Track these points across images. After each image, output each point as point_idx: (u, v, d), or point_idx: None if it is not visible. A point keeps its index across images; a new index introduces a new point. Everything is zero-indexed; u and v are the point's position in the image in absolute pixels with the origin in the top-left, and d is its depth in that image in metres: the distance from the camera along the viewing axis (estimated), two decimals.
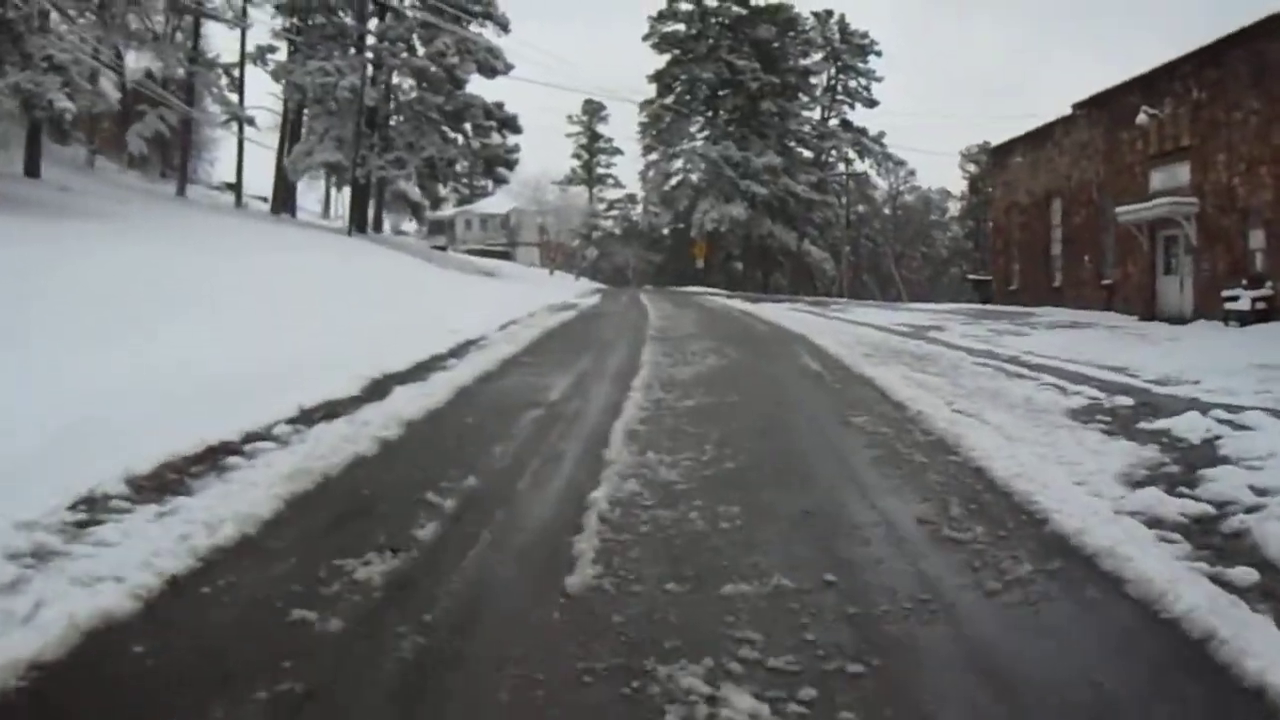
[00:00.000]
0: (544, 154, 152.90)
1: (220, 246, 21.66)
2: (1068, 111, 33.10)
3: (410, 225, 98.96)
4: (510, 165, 44.03)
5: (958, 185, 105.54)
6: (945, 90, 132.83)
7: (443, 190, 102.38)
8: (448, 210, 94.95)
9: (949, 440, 7.89)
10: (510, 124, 42.72)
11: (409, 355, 12.55)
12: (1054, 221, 34.28)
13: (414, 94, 41.91)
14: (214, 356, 10.15)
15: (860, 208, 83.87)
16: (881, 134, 75.90)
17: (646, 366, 12.27)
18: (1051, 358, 15.52)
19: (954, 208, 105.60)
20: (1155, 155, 26.48)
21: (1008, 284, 37.99)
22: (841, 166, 76.72)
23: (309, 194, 79.63)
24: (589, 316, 22.41)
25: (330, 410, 8.66)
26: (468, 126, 42.26)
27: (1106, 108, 29.72)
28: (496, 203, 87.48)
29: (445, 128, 42.18)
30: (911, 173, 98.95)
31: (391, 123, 41.89)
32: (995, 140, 39.89)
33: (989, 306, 35.62)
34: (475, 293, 28.02)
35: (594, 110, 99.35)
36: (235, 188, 48.31)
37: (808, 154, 73.77)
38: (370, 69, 40.17)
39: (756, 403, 10.17)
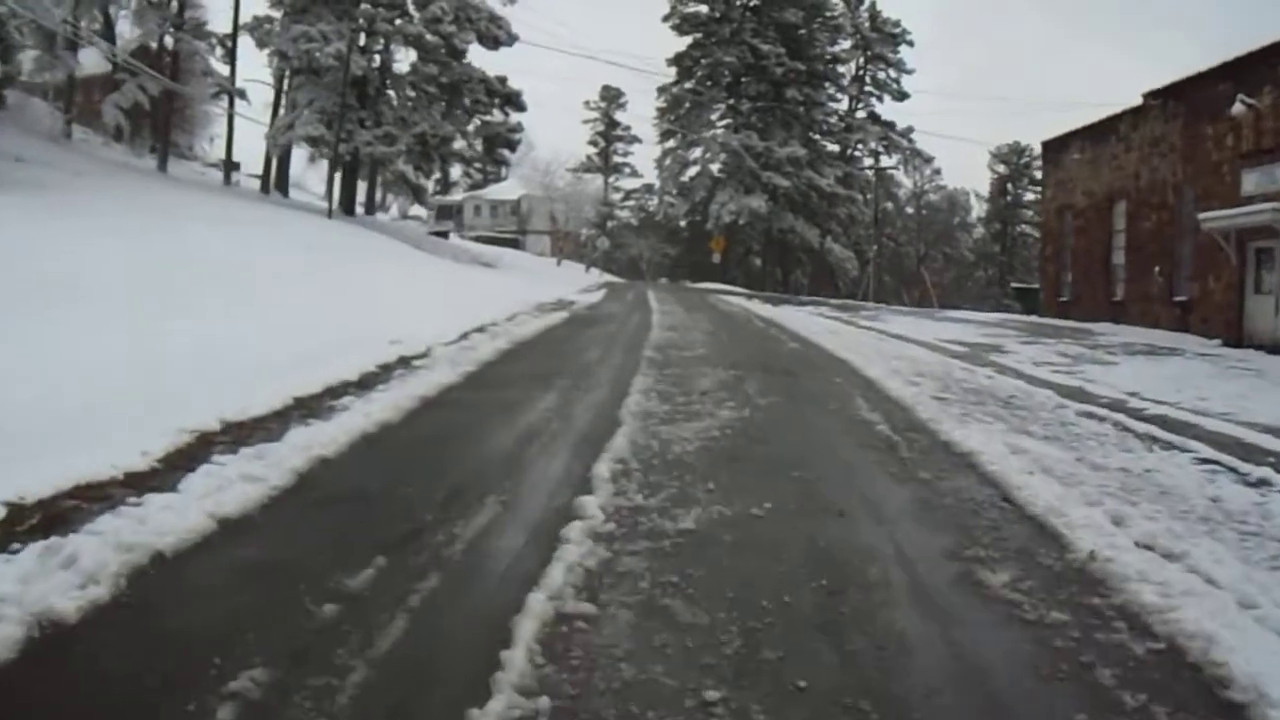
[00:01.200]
0: (555, 137, 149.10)
1: (141, 225, 17.89)
2: (1134, 102, 28.99)
3: (418, 209, 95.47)
4: (512, 145, 39.99)
5: (984, 186, 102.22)
6: (971, 88, 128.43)
7: (450, 173, 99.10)
8: (457, 195, 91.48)
9: (1210, 666, 3.88)
10: (513, 100, 38.72)
11: (292, 387, 8.62)
12: (1117, 226, 30.07)
13: (408, 65, 37.93)
14: None
15: (888, 205, 79.70)
16: (910, 129, 71.70)
17: (629, 422, 8.15)
18: (1170, 404, 11.58)
19: (979, 208, 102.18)
20: (1250, 153, 22.37)
21: (1057, 295, 33.83)
22: (868, 161, 72.71)
23: (311, 174, 76.08)
24: (579, 322, 18.38)
25: None
26: (466, 102, 38.20)
27: (1186, 98, 25.57)
28: (507, 189, 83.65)
29: (441, 102, 38.19)
30: (936, 171, 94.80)
31: (387, 95, 37.85)
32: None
33: (1039, 320, 31.51)
34: (458, 287, 24.13)
35: (612, 97, 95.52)
36: (225, 164, 44.87)
37: (833, 147, 69.63)
38: (362, 37, 36.17)
39: (802, 525, 5.74)
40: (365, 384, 9.48)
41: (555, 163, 72.98)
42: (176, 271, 13.97)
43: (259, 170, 49.56)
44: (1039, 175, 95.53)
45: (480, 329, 15.32)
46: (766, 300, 36.64)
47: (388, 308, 16.78)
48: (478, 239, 74.00)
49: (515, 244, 76.93)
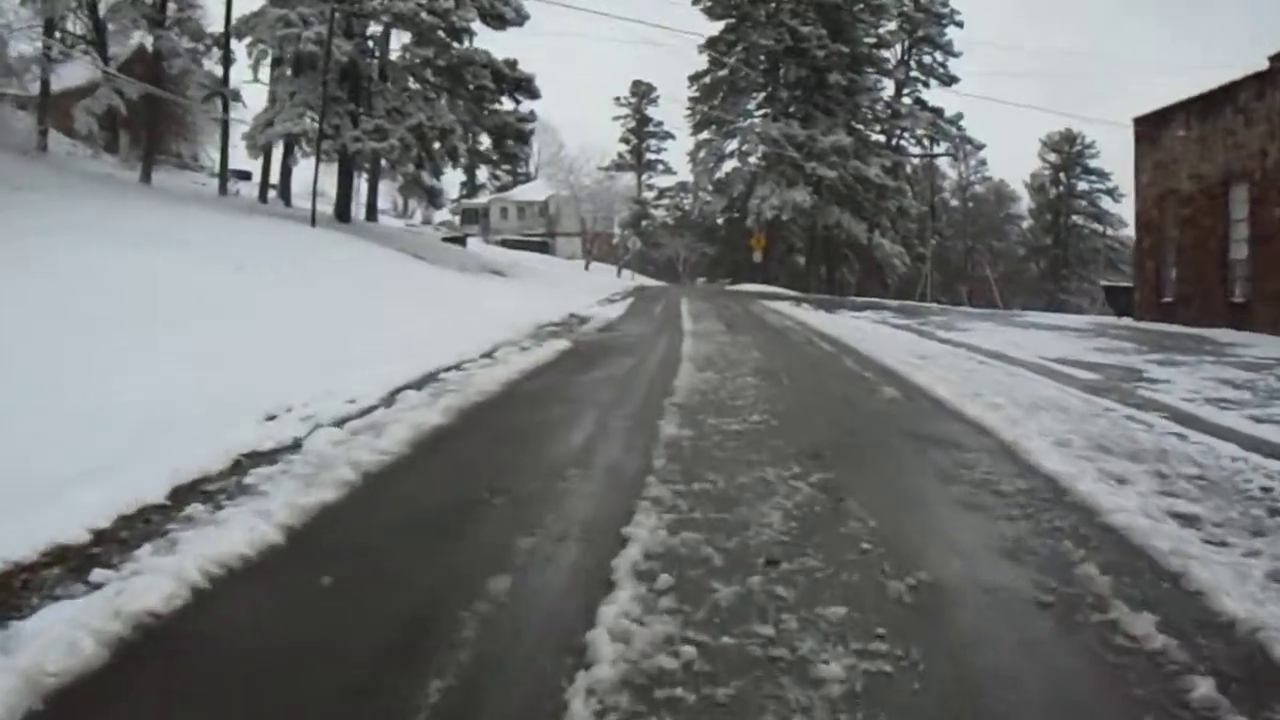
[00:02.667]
0: (584, 135, 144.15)
1: (21, 252, 13.30)
2: (1249, 70, 23.84)
3: (445, 214, 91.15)
4: (524, 137, 35.10)
5: (1029, 175, 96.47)
6: (1018, 72, 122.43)
7: (476, 175, 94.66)
8: (483, 198, 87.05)
9: None
10: (524, 86, 33.83)
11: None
12: (1236, 216, 24.70)
13: (401, 49, 33.17)
14: None
15: (942, 196, 74.39)
16: (959, 115, 66.34)
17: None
18: None
19: (1028, 199, 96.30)
20: None
21: (1158, 295, 28.53)
22: (914, 150, 67.40)
23: (325, 178, 71.63)
24: (580, 359, 13.13)
25: None
26: (469, 88, 33.41)
27: None
28: (535, 189, 79.14)
29: (440, 90, 33.46)
30: (983, 162, 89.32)
31: (382, 86, 33.08)
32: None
33: (1141, 326, 26.27)
34: (443, 307, 19.41)
35: (643, 92, 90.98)
36: (220, 173, 40.66)
37: (877, 136, 64.41)
38: (348, 20, 31.46)
39: None
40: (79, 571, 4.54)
41: (581, 160, 68.04)
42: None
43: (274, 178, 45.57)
44: (1093, 164, 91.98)
45: (432, 376, 10.50)
46: (818, 305, 31.68)
47: (321, 345, 12.02)
48: (503, 243, 69.53)
49: (544, 247, 72.42)
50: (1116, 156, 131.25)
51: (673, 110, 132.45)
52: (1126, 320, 28.71)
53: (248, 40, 32.11)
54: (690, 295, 34.37)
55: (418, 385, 9.85)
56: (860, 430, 8.11)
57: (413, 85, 34.02)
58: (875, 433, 8.09)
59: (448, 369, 11.18)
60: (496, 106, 34.06)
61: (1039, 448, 7.56)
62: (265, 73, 35.30)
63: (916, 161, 65.82)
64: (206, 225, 22.89)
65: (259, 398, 8.63)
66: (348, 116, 32.05)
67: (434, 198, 42.79)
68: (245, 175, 45.92)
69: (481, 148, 35.17)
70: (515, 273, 34.92)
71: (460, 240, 47.46)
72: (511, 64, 33.76)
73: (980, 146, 69.41)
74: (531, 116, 36.52)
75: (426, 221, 79.64)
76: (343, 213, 35.12)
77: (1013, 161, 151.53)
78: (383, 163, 40.34)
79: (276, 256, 19.70)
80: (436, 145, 33.78)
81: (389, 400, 9.04)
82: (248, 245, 20.54)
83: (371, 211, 41.47)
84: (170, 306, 12.19)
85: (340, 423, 7.88)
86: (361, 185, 50.53)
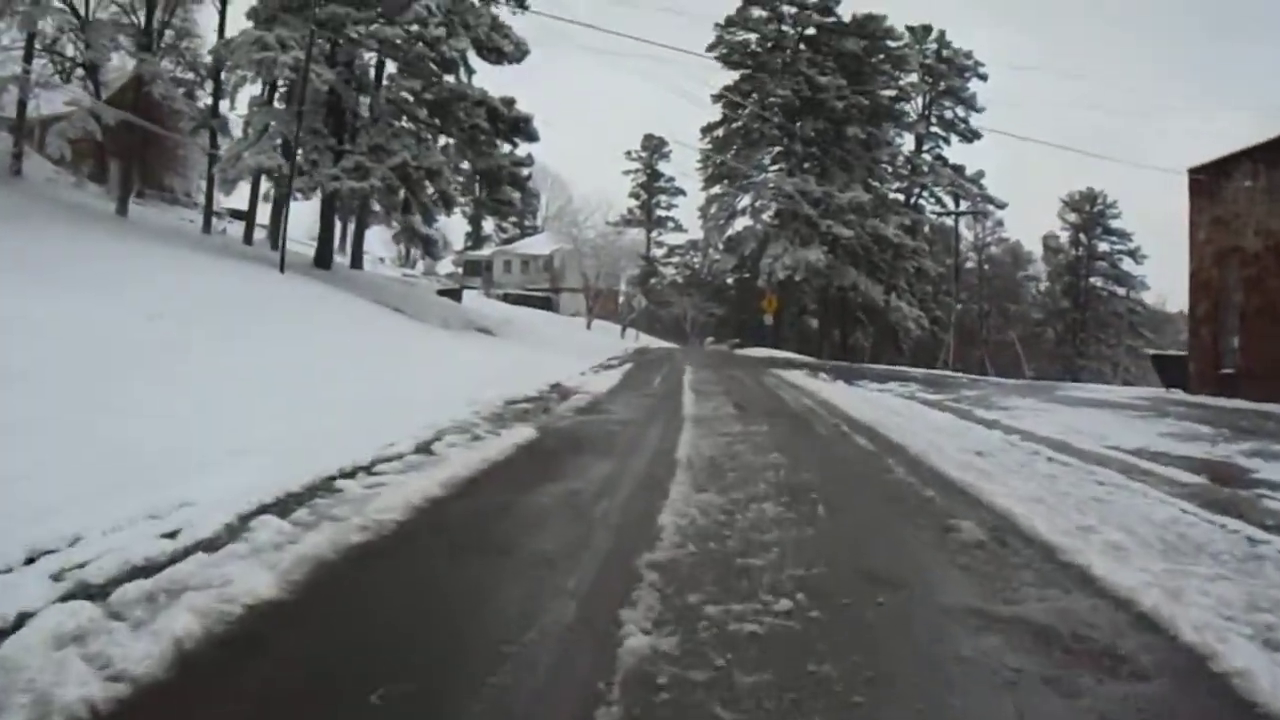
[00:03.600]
0: (591, 182, 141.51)
1: None
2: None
3: (448, 265, 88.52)
4: (520, 184, 32.23)
5: (1042, 237, 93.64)
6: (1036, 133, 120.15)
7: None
8: (486, 250, 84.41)
9: None
10: (522, 128, 31.01)
11: None
12: None
13: (387, 80, 30.30)
14: None
15: (974, 257, 71.64)
16: (980, 173, 63.53)
17: None
18: None
19: (1049, 261, 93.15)
20: None
21: (1216, 366, 25.49)
22: (934, 208, 64.53)
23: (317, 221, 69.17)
24: (548, 458, 9.61)
25: None
26: (461, 128, 30.61)
27: None
28: (539, 243, 76.50)
29: (429, 127, 30.66)
30: (999, 222, 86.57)
31: (364, 120, 30.24)
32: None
33: (1199, 400, 23.13)
34: (403, 373, 16.37)
35: (654, 146, 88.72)
36: (206, 209, 38.14)
37: (895, 194, 61.59)
38: (331, 47, 28.73)
39: None
40: None
41: (585, 211, 65.33)
42: None
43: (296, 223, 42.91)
44: (1114, 224, 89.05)
45: (321, 488, 7.42)
46: (836, 374, 28.58)
47: (192, 427, 9.01)
48: (505, 297, 66.74)
49: (547, 303, 69.61)
50: (1140, 216, 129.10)
51: (685, 161, 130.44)
52: (1178, 393, 25.62)
53: (228, 64, 29.38)
54: (695, 362, 31.27)
55: (287, 505, 6.77)
56: (955, 639, 4.87)
57: (403, 123, 31.27)
58: (988, 647, 4.83)
59: (353, 472, 8.10)
60: (492, 150, 31.19)
61: (1253, 664, 4.48)
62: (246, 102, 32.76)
63: (935, 220, 62.87)
64: (159, 266, 20.06)
65: (21, 521, 5.64)
66: (328, 153, 29.24)
67: (430, 246, 39.95)
68: (243, 215, 43.24)
69: (475, 194, 32.05)
70: (505, 331, 31.97)
71: (455, 294, 44.47)
72: (508, 102, 30.98)
73: (1002, 206, 66.48)
74: (529, 161, 33.68)
75: (430, 272, 77.09)
76: (323, 258, 32.24)
77: (1028, 222, 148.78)
78: (375, 207, 37.67)
79: (214, 305, 16.74)
80: (428, 189, 30.90)
81: (231, 532, 6.00)
82: (190, 290, 17.63)
83: (357, 258, 38.56)
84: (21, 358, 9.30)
85: (106, 589, 4.82)
86: (352, 230, 47.90)
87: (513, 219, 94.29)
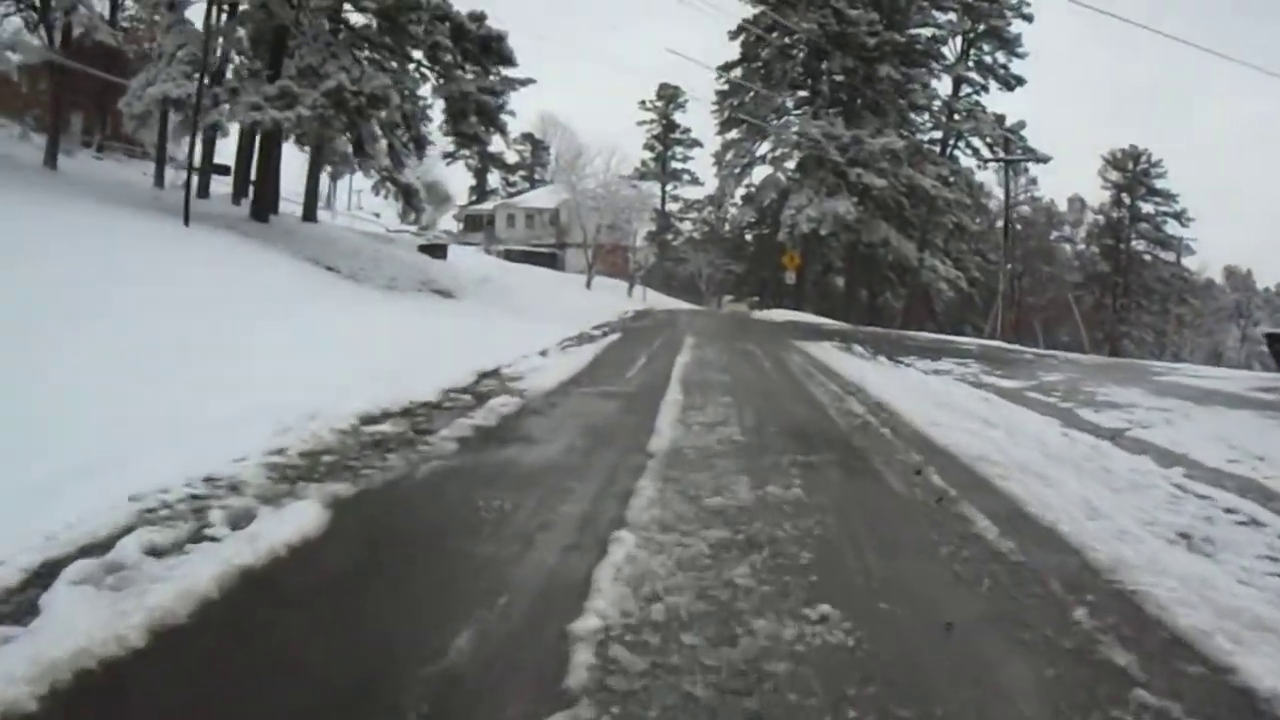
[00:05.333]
0: (599, 137, 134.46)
1: None
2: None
3: (449, 220, 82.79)
4: (492, 117, 26.21)
5: (1093, 195, 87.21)
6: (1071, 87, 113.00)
7: (486, 179, 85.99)
8: (489, 204, 78.47)
9: None
10: (493, 48, 24.98)
11: None
12: None
13: None
14: None
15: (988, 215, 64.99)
16: (1021, 124, 56.89)
17: None
18: None
19: (1088, 220, 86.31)
20: None
21: None
22: (970, 161, 57.98)
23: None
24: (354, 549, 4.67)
25: None
26: (419, 48, 24.66)
27: None
28: (544, 196, 70.44)
29: (380, 47, 24.73)
30: (1033, 180, 79.82)
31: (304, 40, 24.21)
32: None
33: None
34: (240, 364, 10.67)
35: (670, 95, 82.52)
36: (158, 162, 32.87)
37: (930, 143, 55.12)
38: None
39: None
40: None
41: (585, 158, 59.23)
42: None
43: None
44: (1159, 184, 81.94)
45: None
46: (874, 346, 22.81)
47: None
48: (505, 254, 61.07)
49: (552, 260, 63.84)
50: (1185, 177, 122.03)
51: (702, 117, 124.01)
52: None
53: None
54: (701, 331, 25.40)
55: None
56: None
57: (348, 41, 25.26)
58: None
59: None
60: (455, 74, 25.14)
61: None
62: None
63: (972, 172, 56.38)
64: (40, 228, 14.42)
65: None
66: (255, 80, 23.44)
67: (410, 197, 34.02)
68: (225, 170, 37.50)
69: (403, 119, 25.91)
70: (474, 293, 26.25)
71: (439, 250, 38.67)
72: (477, 17, 24.94)
73: (1045, 159, 59.57)
74: (504, 88, 27.71)
75: (426, 227, 71.41)
76: (260, 209, 26.46)
77: (1063, 181, 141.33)
78: (352, 148, 31.61)
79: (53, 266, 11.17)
80: (376, 124, 25.05)
81: None
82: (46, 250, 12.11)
83: (310, 209, 32.68)
84: None
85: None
86: (323, 178, 42.20)
87: (521, 172, 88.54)
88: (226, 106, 22.79)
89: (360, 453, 7.17)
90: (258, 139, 27.06)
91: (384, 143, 28.24)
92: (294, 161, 40.25)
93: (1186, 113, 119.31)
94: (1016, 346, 31.30)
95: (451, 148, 78.65)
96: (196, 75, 22.66)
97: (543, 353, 15.68)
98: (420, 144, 31.56)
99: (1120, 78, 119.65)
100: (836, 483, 6.94)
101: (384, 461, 6.92)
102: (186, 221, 20.87)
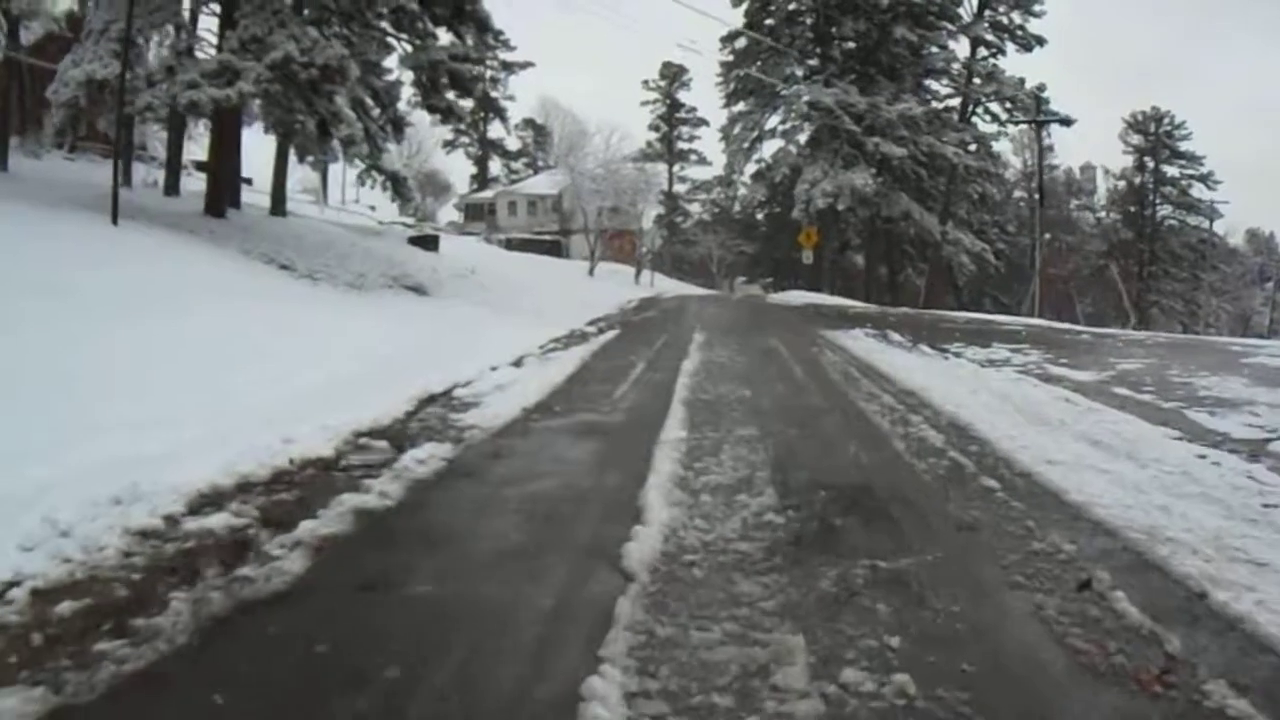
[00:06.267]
0: (589, 106, 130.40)
1: None
2: None
3: (449, 209, 79.73)
4: (465, 85, 23.00)
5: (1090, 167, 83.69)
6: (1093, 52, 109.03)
7: (488, 166, 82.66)
8: (489, 192, 75.23)
9: None
10: (466, 10, 21.89)
11: None
12: None
13: None
14: None
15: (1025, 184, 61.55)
16: (1041, 87, 53.21)
17: None
18: None
19: (1106, 185, 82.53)
20: None
21: None
22: (988, 126, 54.31)
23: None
24: None
25: None
26: (381, 10, 21.50)
27: None
28: (545, 182, 67.20)
29: (332, 12, 21.53)
30: (1049, 147, 75.90)
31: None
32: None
33: None
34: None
35: (674, 74, 79.19)
36: (120, 157, 29.71)
37: (946, 109, 51.50)
38: None
39: None
40: None
41: (584, 137, 56.00)
42: None
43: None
44: (1183, 147, 77.93)
45: None
46: (914, 334, 19.68)
47: None
48: (506, 243, 57.93)
49: (555, 248, 60.64)
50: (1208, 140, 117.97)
51: (708, 95, 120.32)
52: None
53: None
54: (713, 323, 22.25)
55: None
56: None
57: (340, 33, 22.17)
58: None
59: None
60: (423, 40, 21.97)
61: None
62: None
63: (994, 136, 52.64)
64: None
65: None
66: (189, 56, 20.39)
67: (398, 186, 31.01)
68: (201, 166, 34.60)
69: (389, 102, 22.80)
70: (456, 288, 23.13)
71: (429, 241, 35.54)
72: None
73: (1071, 121, 55.72)
74: (479, 54, 24.52)
75: (424, 218, 68.35)
76: (216, 202, 23.37)
77: (1078, 149, 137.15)
78: (332, 129, 28.42)
79: None
80: (340, 102, 21.88)
81: None
82: None
83: (278, 201, 29.51)
84: None
85: None
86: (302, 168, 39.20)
87: (524, 159, 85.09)
88: (164, 87, 19.66)
89: (137, 592, 4.12)
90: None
91: (360, 126, 25.07)
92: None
93: (1200, 76, 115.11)
94: (1064, 324, 27.99)
95: (450, 136, 76.10)
96: (117, 53, 19.56)
97: (517, 362, 12.62)
98: (398, 125, 28.54)
99: (1134, 39, 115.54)
100: (958, 638, 3.78)
101: (161, 612, 3.87)
102: (115, 220, 17.89)
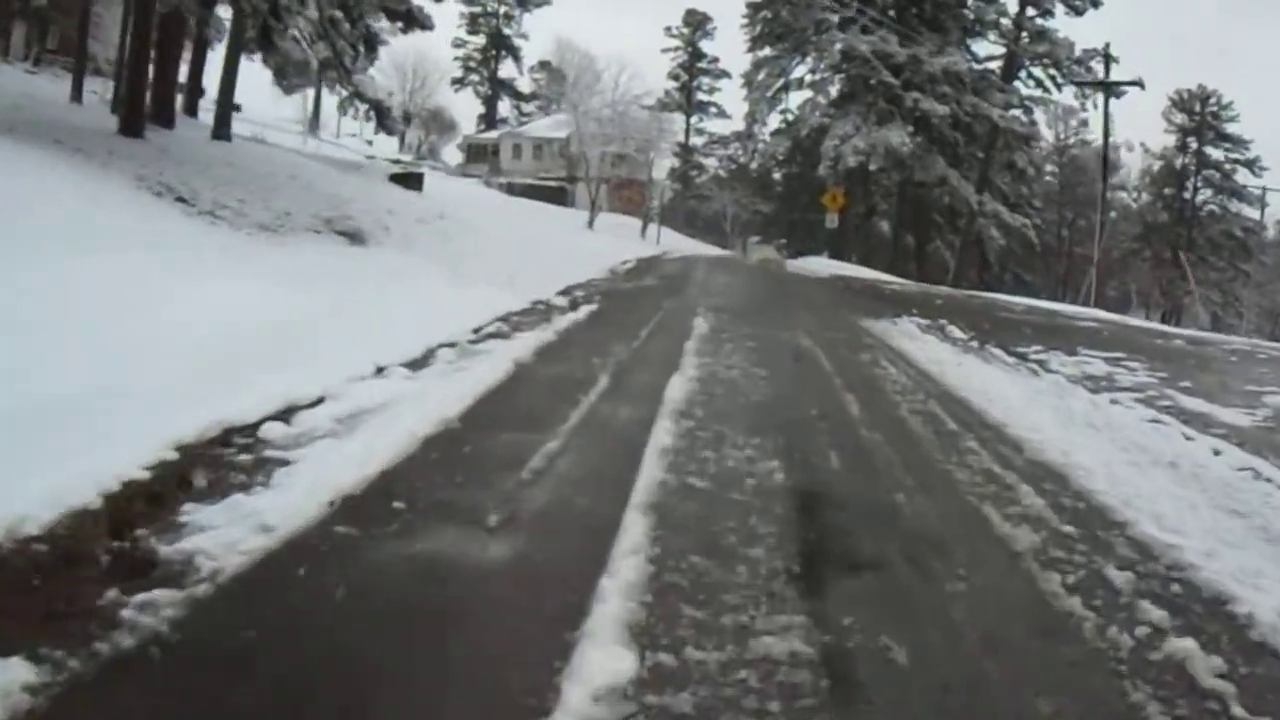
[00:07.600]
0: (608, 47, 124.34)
1: None
2: None
3: (452, 149, 75.39)
4: (401, 13, 18.32)
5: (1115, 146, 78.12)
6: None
7: (497, 107, 77.77)
8: (494, 133, 70.55)
9: None
10: None
11: None
12: None
13: None
14: None
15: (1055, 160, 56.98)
16: (1093, 52, 48.00)
17: None
18: None
19: (1142, 164, 77.32)
20: None
21: None
22: (1035, 90, 49.28)
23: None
24: None
25: None
26: None
27: None
28: (552, 124, 62.44)
29: None
30: (1084, 122, 70.44)
31: None
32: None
33: None
34: None
35: (698, 22, 74.54)
36: (77, 69, 26.44)
37: (989, 71, 46.52)
38: None
39: None
40: None
41: (591, 76, 51.37)
42: None
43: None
44: (1230, 129, 72.49)
45: None
46: (969, 324, 15.29)
47: None
48: (508, 187, 53.54)
49: (560, 195, 56.19)
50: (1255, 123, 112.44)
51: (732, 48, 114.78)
52: None
53: None
54: (721, 295, 17.91)
55: None
56: None
57: None
58: None
59: None
60: None
61: None
62: None
63: (1054, 103, 47.67)
64: None
65: None
66: None
67: (381, 115, 26.48)
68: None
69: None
70: (408, 236, 18.68)
71: (413, 180, 31.05)
72: None
73: (1118, 92, 50.26)
74: None
75: (424, 157, 63.80)
76: (134, 118, 18.83)
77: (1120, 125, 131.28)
78: (275, 36, 23.83)
79: None
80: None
81: None
82: None
83: (223, 120, 24.83)
84: None
85: None
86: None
87: (537, 102, 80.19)
88: None
89: None
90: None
91: (313, 15, 20.58)
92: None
93: (1250, 57, 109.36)
94: (1153, 325, 23.51)
95: (459, 73, 71.47)
96: None
97: (421, 360, 8.26)
98: (370, 43, 24.02)
99: (1184, 12, 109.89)
100: None
101: None
102: None
